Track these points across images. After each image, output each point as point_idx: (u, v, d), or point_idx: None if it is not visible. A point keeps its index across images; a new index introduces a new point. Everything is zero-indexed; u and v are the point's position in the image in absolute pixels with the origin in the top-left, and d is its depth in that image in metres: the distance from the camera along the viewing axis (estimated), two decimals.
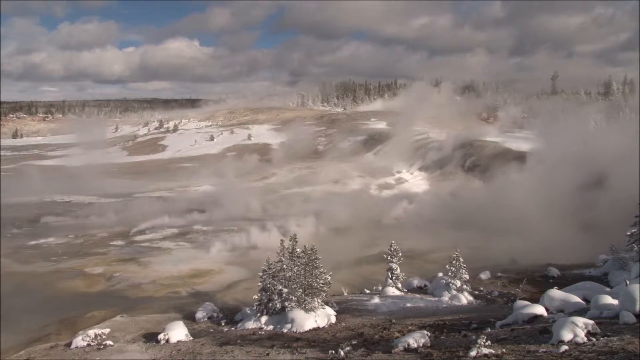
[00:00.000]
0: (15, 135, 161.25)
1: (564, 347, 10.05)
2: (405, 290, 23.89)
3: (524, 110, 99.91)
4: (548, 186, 40.31)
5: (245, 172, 77.30)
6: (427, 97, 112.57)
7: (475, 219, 38.99)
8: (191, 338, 17.66)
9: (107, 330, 18.35)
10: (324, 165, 79.06)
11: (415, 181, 68.40)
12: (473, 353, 10.42)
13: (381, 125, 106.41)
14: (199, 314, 21.46)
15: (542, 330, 11.98)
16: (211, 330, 19.55)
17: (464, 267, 21.54)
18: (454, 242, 33.66)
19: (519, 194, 41.52)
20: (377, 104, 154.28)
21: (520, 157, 62.00)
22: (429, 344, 12.41)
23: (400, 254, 24.08)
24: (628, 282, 15.70)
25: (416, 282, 24.89)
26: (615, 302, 13.12)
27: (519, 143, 71.21)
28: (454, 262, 21.51)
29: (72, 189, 66.27)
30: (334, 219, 42.56)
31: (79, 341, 17.64)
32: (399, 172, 72.39)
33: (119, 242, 40.19)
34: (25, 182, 69.27)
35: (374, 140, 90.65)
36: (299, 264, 18.44)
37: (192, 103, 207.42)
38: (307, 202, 53.89)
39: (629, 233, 19.61)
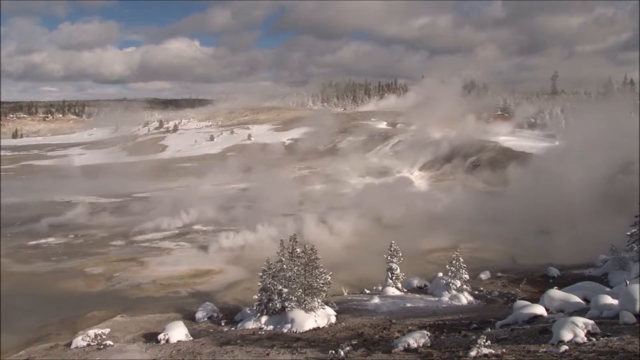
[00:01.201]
0: (15, 135, 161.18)
1: (564, 347, 10.04)
2: (405, 290, 23.91)
3: (534, 110, 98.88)
4: (578, 180, 40.15)
5: (270, 166, 77.34)
6: (437, 95, 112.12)
7: (511, 215, 39.14)
8: (191, 338, 17.67)
9: (107, 330, 18.36)
10: (324, 164, 79.17)
11: (416, 181, 68.42)
12: (473, 353, 10.41)
13: (381, 125, 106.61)
14: (199, 314, 21.47)
15: (542, 330, 11.98)
16: (211, 330, 19.55)
17: (464, 267, 21.57)
18: (505, 239, 34.58)
19: (541, 192, 41.73)
20: (388, 102, 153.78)
21: (520, 156, 62.28)
22: (429, 344, 12.41)
23: (401, 254, 24.09)
24: (628, 282, 15.70)
25: (416, 282, 24.92)
26: (615, 302, 13.12)
27: (528, 142, 71.62)
28: (454, 262, 21.53)
29: (85, 189, 66.15)
30: (371, 214, 42.39)
31: (79, 341, 17.66)
32: (399, 172, 72.43)
33: (119, 242, 40.18)
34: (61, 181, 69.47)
35: (373, 140, 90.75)
36: (299, 264, 18.45)
37: (192, 103, 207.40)
38: (330, 198, 53.94)
39: (629, 233, 19.62)
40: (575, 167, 43.39)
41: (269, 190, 53.81)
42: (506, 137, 79.61)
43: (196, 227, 44.85)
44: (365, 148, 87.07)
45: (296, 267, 18.40)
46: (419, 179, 69.33)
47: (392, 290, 23.26)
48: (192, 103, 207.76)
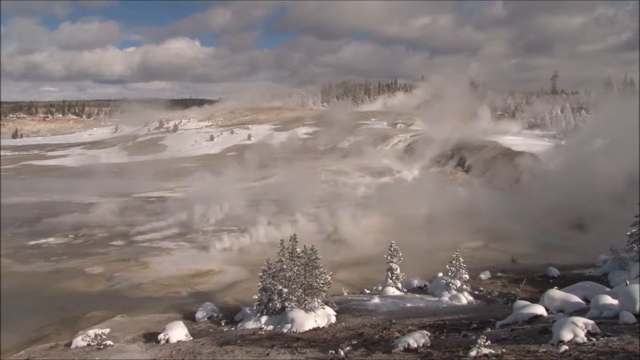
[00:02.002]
0: (15, 135, 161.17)
1: (564, 347, 10.04)
2: (405, 290, 23.90)
3: (543, 109, 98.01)
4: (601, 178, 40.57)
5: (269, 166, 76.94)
6: (446, 93, 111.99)
7: (530, 212, 39.64)
8: (191, 338, 17.67)
9: (107, 330, 18.36)
10: (324, 164, 79.03)
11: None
12: (473, 353, 10.41)
13: (381, 125, 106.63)
14: (199, 314, 21.48)
15: (542, 330, 11.97)
16: (211, 330, 19.56)
17: (464, 267, 21.58)
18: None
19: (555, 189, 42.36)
20: (397, 99, 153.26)
21: (521, 156, 62.26)
22: (429, 344, 12.40)
23: (401, 254, 24.09)
24: (628, 282, 15.71)
25: (416, 282, 24.91)
26: (615, 302, 13.11)
27: (528, 142, 71.63)
28: (454, 262, 21.53)
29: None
30: (388, 211, 42.55)
31: (79, 341, 17.66)
32: (399, 172, 72.43)
33: (119, 242, 40.20)
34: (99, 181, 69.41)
35: (373, 140, 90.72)
36: (299, 264, 18.44)
37: (192, 103, 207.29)
38: (333, 197, 53.92)
39: (629, 233, 19.62)
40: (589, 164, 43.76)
41: (284, 189, 54.02)
42: (503, 136, 79.67)
43: (196, 227, 44.77)
44: (365, 148, 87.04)
45: (296, 267, 18.39)
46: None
47: (392, 290, 23.25)
48: (192, 103, 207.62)
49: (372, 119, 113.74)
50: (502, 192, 51.60)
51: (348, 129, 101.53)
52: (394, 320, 17.17)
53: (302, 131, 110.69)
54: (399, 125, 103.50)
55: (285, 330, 17.52)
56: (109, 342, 17.49)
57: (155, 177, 76.17)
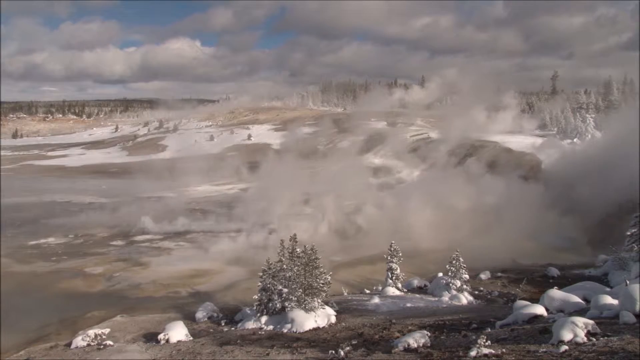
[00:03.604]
0: (15, 135, 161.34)
1: (564, 347, 10.04)
2: (405, 290, 23.91)
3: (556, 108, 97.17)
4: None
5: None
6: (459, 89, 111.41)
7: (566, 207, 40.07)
8: (191, 338, 17.67)
9: (107, 330, 18.37)
10: (324, 164, 78.97)
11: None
12: (473, 353, 10.41)
13: (381, 125, 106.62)
14: (199, 314, 21.48)
15: (542, 330, 11.98)
16: (211, 330, 19.55)
17: (464, 267, 21.59)
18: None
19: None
20: (416, 95, 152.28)
21: (522, 156, 62.27)
22: (429, 344, 12.41)
23: (401, 254, 24.09)
24: (628, 282, 15.71)
25: (416, 282, 24.94)
26: (615, 302, 13.12)
27: (527, 142, 71.46)
28: (454, 262, 21.55)
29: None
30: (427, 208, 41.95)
31: (79, 341, 17.66)
32: (399, 172, 72.46)
33: (119, 242, 40.16)
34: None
35: (373, 141, 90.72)
36: (299, 264, 18.44)
37: (193, 103, 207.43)
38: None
39: (629, 233, 19.63)
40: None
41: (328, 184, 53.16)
42: (503, 136, 79.61)
43: (195, 227, 44.57)
44: (365, 148, 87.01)
45: (296, 267, 18.39)
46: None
47: (392, 290, 23.27)
48: (192, 103, 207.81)
49: (373, 119, 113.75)
50: (503, 192, 51.35)
51: (347, 129, 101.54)
52: (394, 320, 17.17)
53: (304, 130, 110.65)
54: (399, 125, 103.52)
55: (285, 330, 17.52)
56: (109, 342, 17.49)
57: (201, 173, 73.61)
